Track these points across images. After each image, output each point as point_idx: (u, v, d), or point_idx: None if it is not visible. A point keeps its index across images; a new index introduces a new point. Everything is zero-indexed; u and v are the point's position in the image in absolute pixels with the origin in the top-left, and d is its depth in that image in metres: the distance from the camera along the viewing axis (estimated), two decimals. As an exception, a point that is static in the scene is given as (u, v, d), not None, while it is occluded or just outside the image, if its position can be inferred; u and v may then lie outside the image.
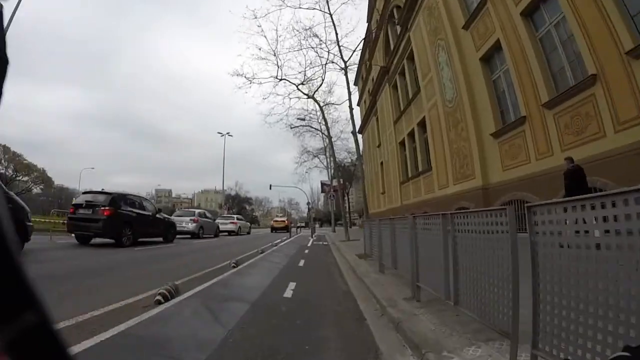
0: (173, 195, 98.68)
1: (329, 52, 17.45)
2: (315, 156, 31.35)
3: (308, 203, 37.59)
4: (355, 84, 29.16)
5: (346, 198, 38.57)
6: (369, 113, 25.93)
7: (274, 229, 27.05)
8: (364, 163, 26.23)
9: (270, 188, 32.53)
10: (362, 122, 28.69)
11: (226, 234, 19.28)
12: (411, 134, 16.59)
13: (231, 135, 34.90)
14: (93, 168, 52.64)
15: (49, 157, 75.86)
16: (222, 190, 35.06)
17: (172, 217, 13.63)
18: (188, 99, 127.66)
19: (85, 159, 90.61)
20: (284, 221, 28.06)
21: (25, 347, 0.27)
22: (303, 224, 47.19)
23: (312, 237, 18.33)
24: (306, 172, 33.60)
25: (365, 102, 27.63)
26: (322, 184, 28.61)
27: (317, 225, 35.81)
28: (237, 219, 21.80)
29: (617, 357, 0.75)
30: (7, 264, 0.27)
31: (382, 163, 22.88)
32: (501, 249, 1.99)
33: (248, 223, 24.57)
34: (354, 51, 15.62)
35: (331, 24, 15.42)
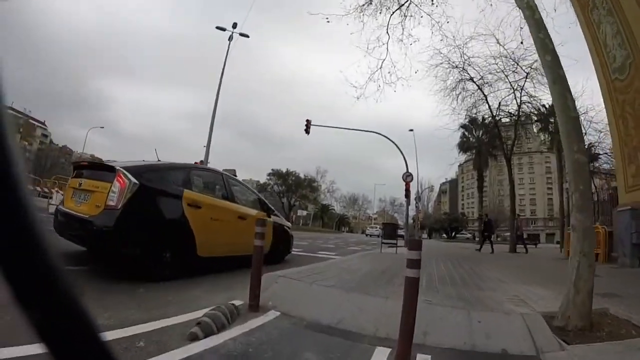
0: (242, 179, 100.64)
1: None
2: None
3: (407, 175, 16.40)
4: None
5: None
6: None
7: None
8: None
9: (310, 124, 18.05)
10: None
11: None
12: None
13: (247, 36, 16.90)
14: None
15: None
16: (209, 131, 15.92)
17: None
18: (294, 101, 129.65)
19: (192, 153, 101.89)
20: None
21: (53, 328, 0.28)
22: (405, 231, 16.69)
23: None
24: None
25: None
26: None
27: (423, 235, 20.83)
28: None
29: None
30: (35, 246, 0.28)
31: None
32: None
33: None
34: None
35: None
